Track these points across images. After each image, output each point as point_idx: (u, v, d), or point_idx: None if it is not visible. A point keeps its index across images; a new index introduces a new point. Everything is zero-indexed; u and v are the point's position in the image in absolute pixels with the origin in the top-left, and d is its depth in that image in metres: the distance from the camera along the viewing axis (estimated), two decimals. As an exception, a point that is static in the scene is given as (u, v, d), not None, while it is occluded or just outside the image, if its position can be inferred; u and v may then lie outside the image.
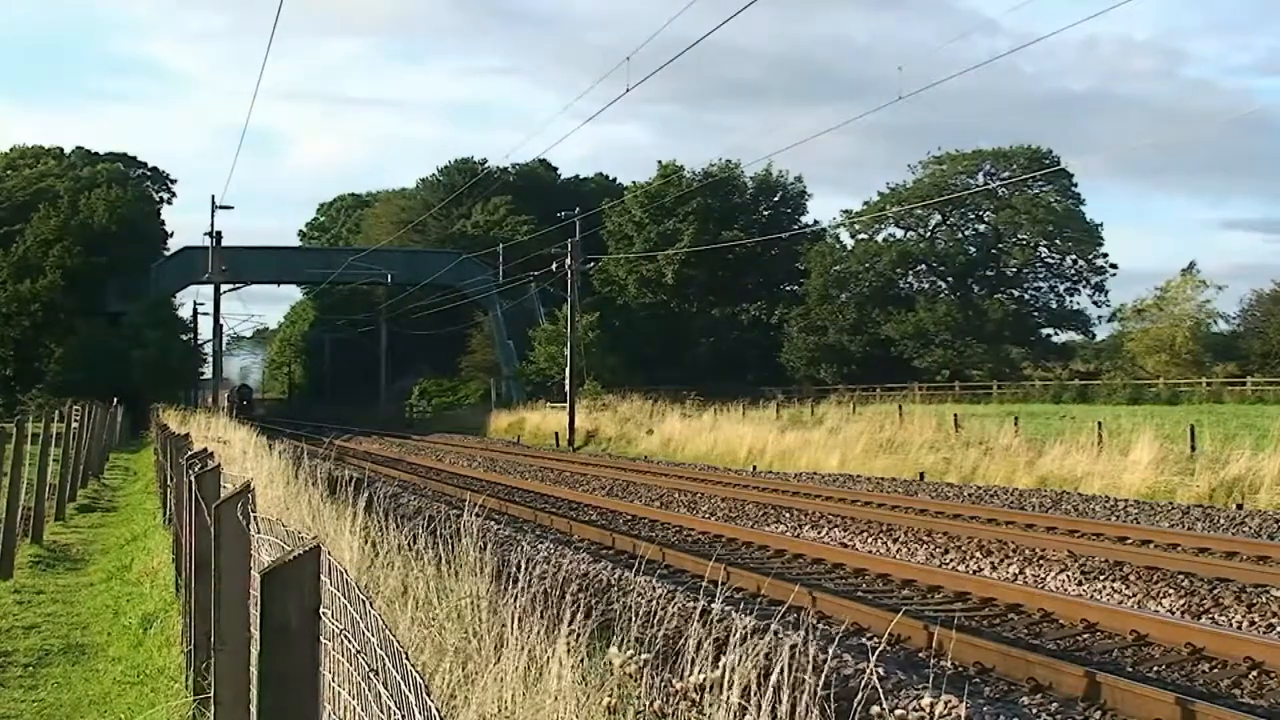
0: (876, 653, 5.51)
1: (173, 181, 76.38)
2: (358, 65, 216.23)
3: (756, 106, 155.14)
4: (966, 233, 72.18)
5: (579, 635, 4.15)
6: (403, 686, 2.33)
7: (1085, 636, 8.96)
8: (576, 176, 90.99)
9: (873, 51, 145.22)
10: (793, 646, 3.72)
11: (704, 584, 7.71)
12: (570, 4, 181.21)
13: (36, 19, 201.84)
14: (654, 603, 8.45)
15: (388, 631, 2.49)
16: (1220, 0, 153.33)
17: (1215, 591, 10.26)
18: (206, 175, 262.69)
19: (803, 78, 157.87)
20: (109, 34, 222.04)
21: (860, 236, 72.92)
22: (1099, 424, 23.03)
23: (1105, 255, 69.41)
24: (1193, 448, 20.64)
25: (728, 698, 3.43)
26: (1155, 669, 7.98)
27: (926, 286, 71.94)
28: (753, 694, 3.46)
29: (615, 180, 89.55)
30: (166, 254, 63.46)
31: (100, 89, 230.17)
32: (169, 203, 75.49)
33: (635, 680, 3.62)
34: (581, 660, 3.99)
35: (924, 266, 71.66)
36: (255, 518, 4.28)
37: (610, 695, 3.60)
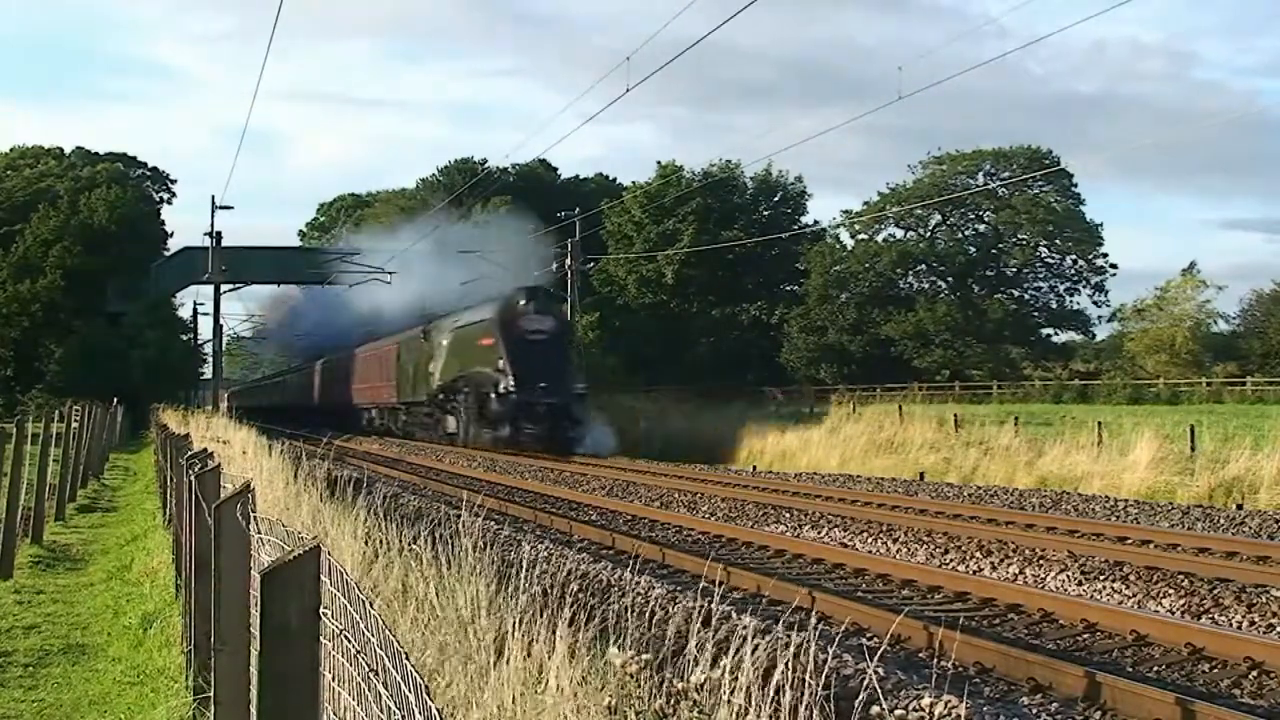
0: (878, 654, 5.51)
1: (173, 181, 76.36)
2: (360, 66, 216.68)
3: (765, 108, 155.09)
4: (966, 233, 72.20)
5: (579, 635, 4.15)
6: (403, 687, 2.33)
7: (1085, 636, 8.96)
8: (577, 177, 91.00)
9: (881, 54, 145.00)
10: (792, 647, 3.72)
11: (704, 584, 7.70)
12: (575, 6, 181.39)
13: (39, 19, 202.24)
14: (654, 603, 8.45)
15: (388, 632, 2.49)
16: (1229, 1, 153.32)
17: (1215, 591, 10.25)
18: (210, 176, 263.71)
19: (811, 80, 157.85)
20: (112, 34, 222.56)
21: (860, 237, 72.97)
22: (1099, 424, 23.03)
23: (1105, 255, 69.48)
24: (1192, 448, 20.65)
25: (729, 698, 3.44)
26: (1155, 669, 7.98)
27: (926, 286, 71.97)
28: (754, 694, 3.46)
29: (615, 180, 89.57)
30: (166, 254, 63.43)
31: (103, 89, 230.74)
32: (169, 203, 75.48)
33: (636, 680, 3.62)
34: (581, 661, 3.99)
35: (924, 266, 71.67)
36: (255, 518, 4.28)
37: (611, 695, 3.60)
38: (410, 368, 42.76)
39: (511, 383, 31.96)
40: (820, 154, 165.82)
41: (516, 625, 4.26)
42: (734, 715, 3.43)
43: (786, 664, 3.49)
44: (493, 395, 32.54)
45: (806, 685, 3.50)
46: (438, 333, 39.93)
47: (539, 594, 4.75)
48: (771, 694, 3.40)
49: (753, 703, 3.42)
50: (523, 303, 33.97)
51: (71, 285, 55.39)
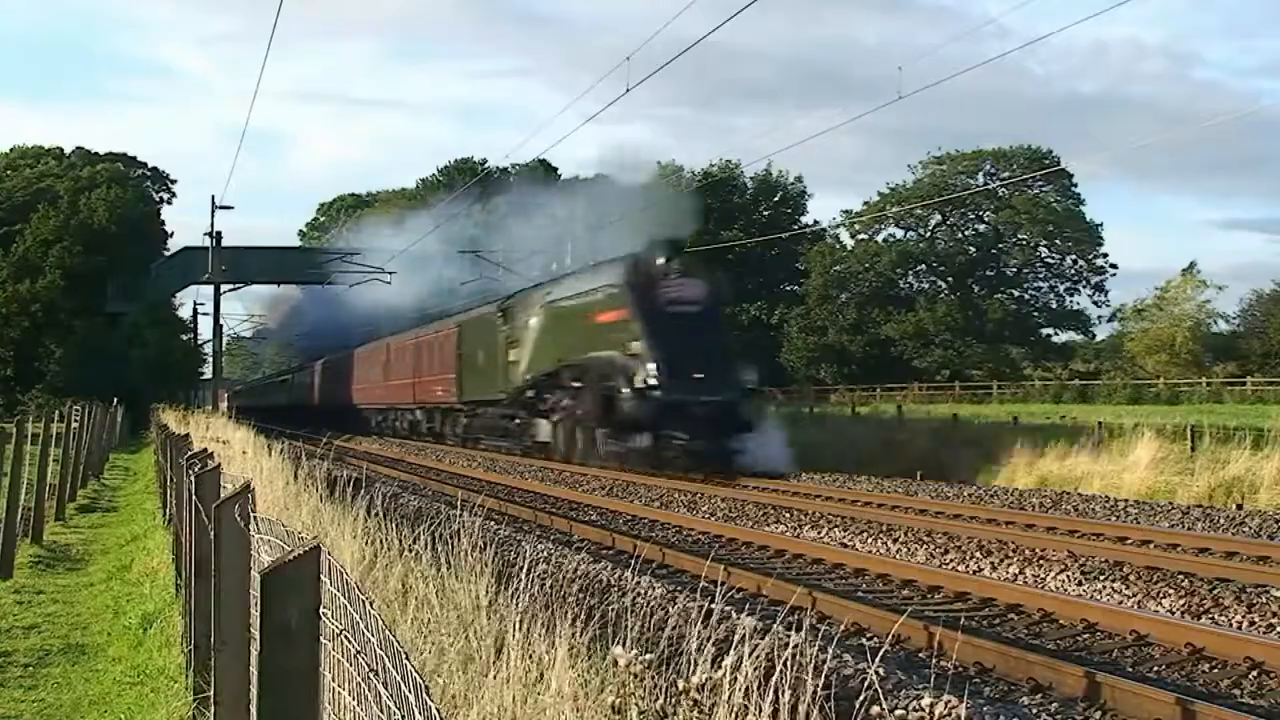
0: (879, 655, 5.51)
1: (173, 181, 76.35)
2: (361, 66, 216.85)
3: (766, 108, 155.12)
4: (966, 233, 72.28)
5: (581, 636, 4.15)
6: (403, 687, 2.33)
7: (1085, 636, 8.95)
8: (576, 177, 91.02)
9: (882, 54, 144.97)
10: (794, 647, 3.72)
11: (705, 584, 7.70)
12: (576, 6, 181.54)
13: (39, 19, 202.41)
14: (655, 603, 8.45)
15: (388, 632, 2.49)
16: (1230, 2, 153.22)
17: (1215, 591, 10.25)
18: (210, 176, 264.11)
19: (812, 80, 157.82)
20: (113, 34, 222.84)
21: (860, 237, 73.05)
22: (1099, 423, 23.04)
23: (1105, 255, 69.59)
24: (1192, 448, 20.66)
25: (729, 698, 3.44)
26: (1155, 669, 7.98)
27: (926, 286, 72.09)
28: (754, 694, 3.46)
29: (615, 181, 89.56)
30: (166, 254, 63.45)
31: (104, 89, 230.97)
32: (169, 203, 75.47)
33: (639, 680, 3.62)
34: (582, 660, 3.99)
35: (924, 266, 71.75)
36: (255, 518, 4.28)
37: (615, 695, 3.61)
38: (479, 356, 33.65)
39: (656, 373, 22.47)
40: (820, 154, 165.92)
41: (517, 625, 4.26)
42: (733, 715, 3.43)
43: (785, 664, 3.49)
44: (625, 392, 23.20)
45: (805, 685, 3.50)
46: (522, 309, 30.56)
47: (539, 594, 4.75)
48: (771, 694, 3.40)
49: (752, 703, 3.42)
50: (662, 262, 24.37)
51: (71, 285, 55.43)
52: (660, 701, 3.52)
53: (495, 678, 3.93)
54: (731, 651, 3.59)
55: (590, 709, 3.67)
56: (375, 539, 6.53)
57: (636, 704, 3.56)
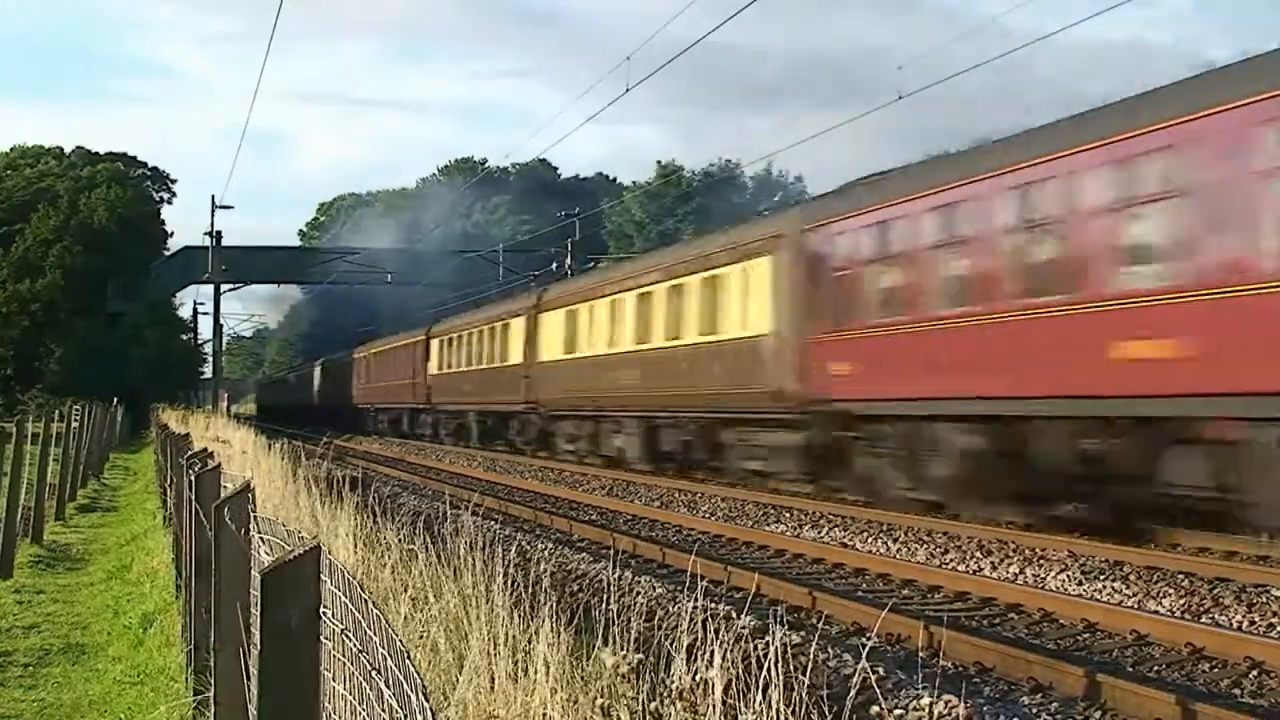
0: (867, 649, 5.51)
1: (173, 181, 76.19)
2: (362, 66, 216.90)
3: (769, 109, 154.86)
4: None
5: (576, 635, 4.15)
6: (404, 686, 2.33)
7: (1085, 636, 8.96)
8: (577, 176, 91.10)
9: (885, 55, 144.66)
10: (793, 646, 3.72)
11: (704, 584, 7.71)
12: (578, 5, 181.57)
13: (39, 19, 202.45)
14: (653, 602, 8.45)
15: (389, 631, 2.49)
16: (1239, 5, 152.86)
17: (1215, 591, 10.25)
18: (210, 176, 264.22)
19: (814, 80, 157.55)
20: (113, 34, 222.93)
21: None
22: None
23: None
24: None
25: (722, 698, 3.44)
26: (1155, 669, 7.98)
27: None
28: (752, 694, 3.46)
29: (616, 180, 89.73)
30: (166, 254, 63.43)
31: (104, 89, 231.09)
32: (169, 203, 75.37)
33: (629, 681, 3.62)
34: (575, 661, 3.99)
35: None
36: (255, 518, 4.28)
37: (604, 696, 3.61)
38: None
39: None
40: (821, 154, 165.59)
41: (511, 625, 4.26)
42: (725, 715, 3.43)
43: (783, 662, 3.49)
44: None
45: (802, 683, 3.50)
46: None
47: (535, 594, 4.75)
48: (761, 694, 3.40)
49: (747, 703, 3.42)
50: None
51: (71, 285, 55.41)
52: (654, 704, 3.52)
53: (489, 679, 3.93)
54: (726, 651, 3.59)
55: (584, 707, 3.67)
56: (373, 538, 6.53)
57: (627, 704, 3.56)
